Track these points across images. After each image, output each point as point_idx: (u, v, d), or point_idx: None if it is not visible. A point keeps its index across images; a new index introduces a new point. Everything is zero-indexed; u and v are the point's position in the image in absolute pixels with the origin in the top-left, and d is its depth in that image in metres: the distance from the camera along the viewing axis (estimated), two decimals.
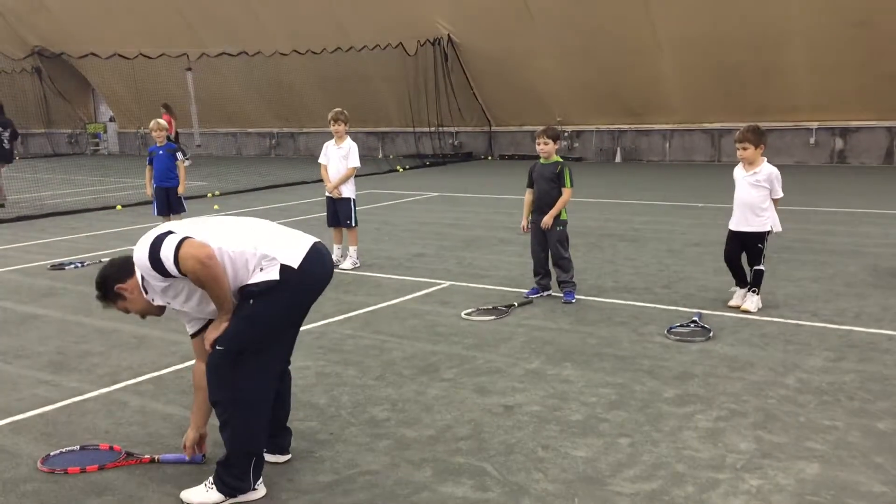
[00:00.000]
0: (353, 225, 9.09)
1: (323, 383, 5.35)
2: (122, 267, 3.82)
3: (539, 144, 7.31)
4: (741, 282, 6.93)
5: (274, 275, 3.64)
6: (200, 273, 3.54)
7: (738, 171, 6.89)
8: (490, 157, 23.77)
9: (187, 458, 4.15)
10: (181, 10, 25.45)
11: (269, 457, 4.11)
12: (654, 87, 20.23)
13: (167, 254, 3.53)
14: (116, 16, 26.50)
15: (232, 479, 3.76)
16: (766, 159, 6.78)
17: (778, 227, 6.84)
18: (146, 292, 3.76)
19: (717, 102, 19.60)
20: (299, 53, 23.91)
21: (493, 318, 6.79)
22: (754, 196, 6.73)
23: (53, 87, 31.51)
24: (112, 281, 3.81)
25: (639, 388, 5.09)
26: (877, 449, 4.12)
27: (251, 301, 3.66)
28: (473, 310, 6.98)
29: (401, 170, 21.00)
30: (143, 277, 3.72)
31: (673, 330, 6.19)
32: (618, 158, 21.72)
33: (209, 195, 16.03)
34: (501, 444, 4.31)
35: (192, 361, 5.79)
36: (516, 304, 7.12)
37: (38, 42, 29.92)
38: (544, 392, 5.06)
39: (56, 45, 29.09)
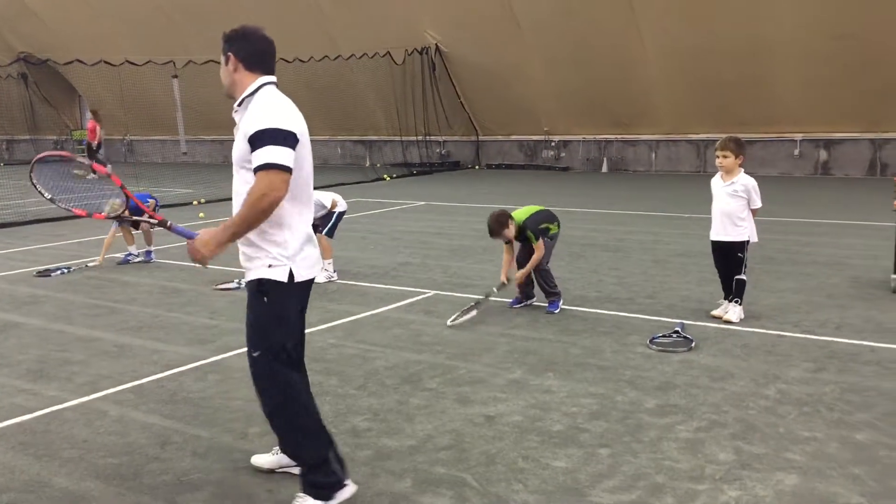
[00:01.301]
0: (324, 233, 8.72)
1: None
2: (253, 56, 3.93)
3: (505, 241, 7.38)
4: (729, 292, 6.95)
5: (282, 277, 3.64)
6: (256, 202, 3.49)
7: (716, 182, 6.93)
8: (477, 167, 23.82)
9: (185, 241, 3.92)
10: (169, 16, 25.41)
11: (293, 469, 4.06)
12: (641, 97, 20.34)
13: (265, 152, 3.51)
14: (103, 22, 26.44)
15: (323, 477, 3.72)
16: (742, 170, 6.83)
17: (754, 238, 6.88)
18: (238, 105, 3.91)
19: (703, 114, 19.71)
20: (286, 61, 23.85)
21: (475, 312, 7.01)
22: (733, 206, 6.78)
23: (39, 94, 31.41)
24: (234, 44, 3.87)
25: (620, 398, 5.10)
26: (855, 460, 4.14)
27: (265, 298, 3.65)
28: (456, 314, 6.99)
29: (388, 178, 21.01)
30: (255, 94, 3.89)
31: (655, 340, 6.21)
32: (604, 168, 21.81)
33: (194, 202, 15.97)
34: (482, 455, 4.31)
35: (173, 371, 5.81)
36: (495, 290, 7.34)
37: (23, 48, 29.78)
38: (526, 402, 5.06)
39: (42, 50, 28.95)
